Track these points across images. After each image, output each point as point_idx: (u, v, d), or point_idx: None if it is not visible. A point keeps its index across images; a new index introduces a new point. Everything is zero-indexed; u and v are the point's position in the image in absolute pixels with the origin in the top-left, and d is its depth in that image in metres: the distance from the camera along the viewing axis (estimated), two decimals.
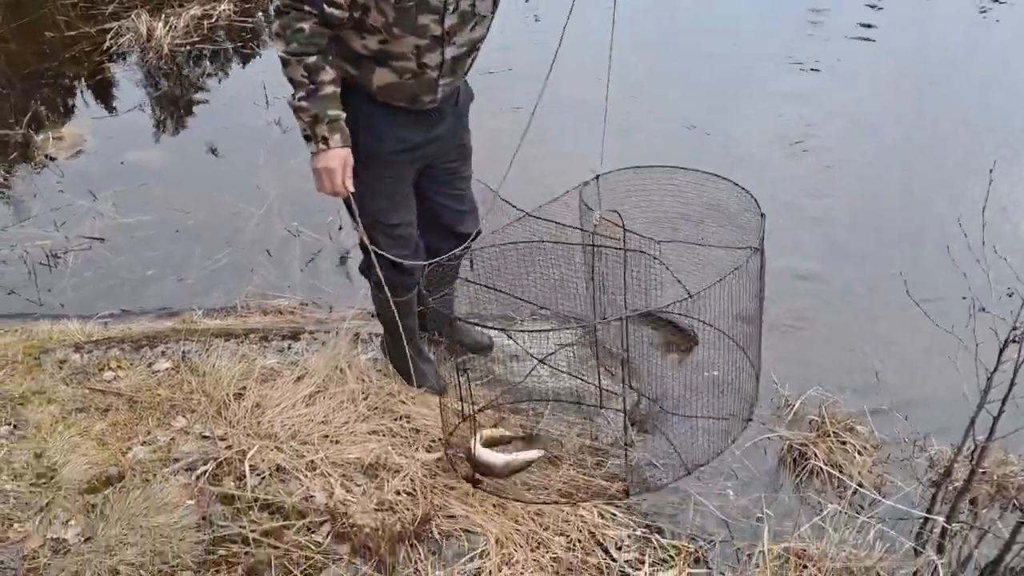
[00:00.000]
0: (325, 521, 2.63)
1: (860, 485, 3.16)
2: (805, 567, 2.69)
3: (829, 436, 3.36)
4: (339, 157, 2.39)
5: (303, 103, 2.32)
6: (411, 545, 2.64)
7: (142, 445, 2.68)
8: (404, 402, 3.11)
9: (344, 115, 2.37)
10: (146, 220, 4.53)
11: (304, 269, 4.25)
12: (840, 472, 3.26)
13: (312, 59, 2.28)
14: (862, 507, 3.08)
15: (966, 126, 5.55)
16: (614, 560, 2.90)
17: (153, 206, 4.66)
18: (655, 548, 2.98)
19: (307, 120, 2.35)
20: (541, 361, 3.53)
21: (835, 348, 4.03)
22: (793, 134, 5.50)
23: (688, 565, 2.93)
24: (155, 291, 4.06)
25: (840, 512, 2.90)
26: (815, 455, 3.30)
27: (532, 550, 2.84)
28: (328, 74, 2.31)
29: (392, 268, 2.78)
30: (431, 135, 2.66)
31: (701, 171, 2.99)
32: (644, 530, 3.04)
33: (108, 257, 4.29)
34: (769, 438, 3.47)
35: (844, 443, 3.34)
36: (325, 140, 2.35)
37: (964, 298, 2.89)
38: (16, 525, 2.36)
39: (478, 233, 3.12)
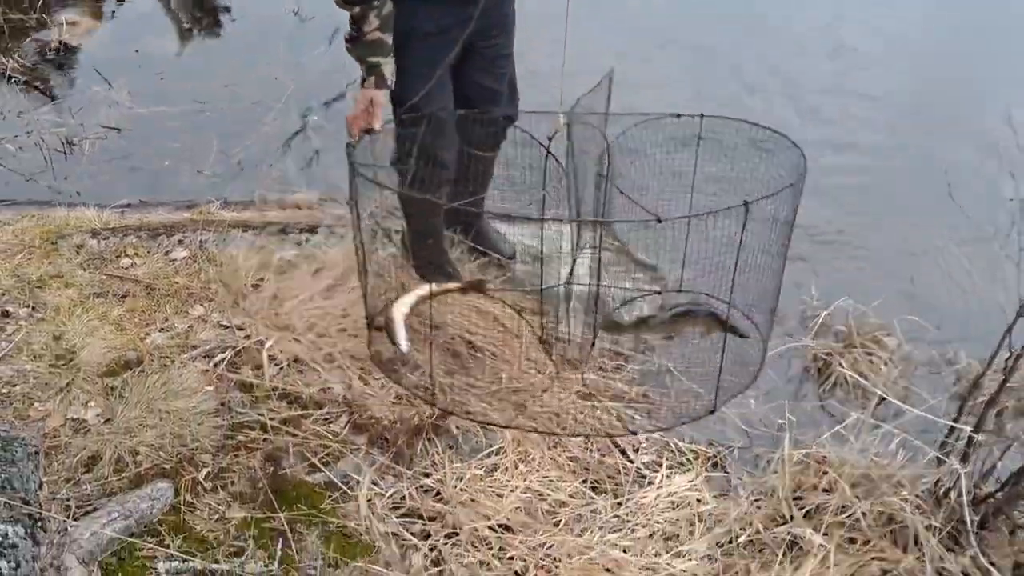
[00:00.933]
0: (343, 412, 2.62)
1: (884, 396, 3.12)
2: (825, 473, 2.66)
3: (855, 347, 3.29)
4: (367, 98, 2.57)
5: (348, 46, 2.55)
6: (428, 439, 2.64)
7: (160, 331, 2.66)
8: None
9: (384, 60, 2.54)
10: (162, 111, 4.43)
11: (322, 164, 4.15)
12: (865, 383, 3.21)
13: (357, 10, 2.45)
14: (885, 419, 3.04)
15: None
16: (631, 461, 2.89)
17: (169, 97, 4.56)
18: (673, 452, 2.96)
19: (353, 58, 2.57)
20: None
21: (867, 259, 3.93)
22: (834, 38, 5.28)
23: (706, 469, 2.92)
24: (172, 183, 4.00)
25: (863, 421, 2.86)
26: (840, 365, 3.25)
27: (549, 448, 2.84)
28: (372, 24, 2.47)
29: (439, 148, 2.77)
30: (467, 14, 2.60)
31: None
32: (663, 434, 3.03)
33: (124, 147, 4.21)
34: (794, 348, 3.41)
35: (870, 354, 3.27)
36: (363, 80, 2.56)
37: (1011, 200, 2.76)
38: (37, 404, 2.36)
39: (512, 119, 3.02)
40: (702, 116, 2.85)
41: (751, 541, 2.61)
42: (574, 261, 3.30)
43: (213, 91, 4.60)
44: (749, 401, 3.23)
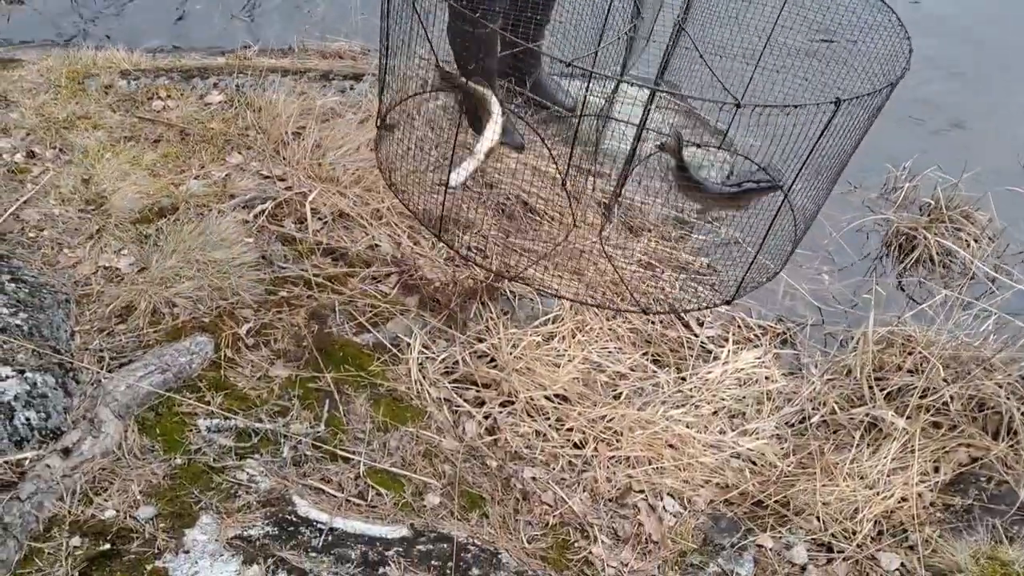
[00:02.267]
0: (392, 272, 2.44)
1: (973, 275, 2.87)
2: (910, 353, 2.46)
3: (943, 221, 3.02)
4: None
5: None
6: (483, 303, 2.46)
7: (195, 179, 2.47)
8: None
9: None
10: None
11: (364, 11, 3.83)
12: (951, 261, 2.96)
13: None
14: (975, 300, 2.80)
15: None
16: (695, 335, 2.71)
17: None
18: (740, 327, 2.77)
19: None
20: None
21: (960, 130, 3.60)
22: None
23: (775, 346, 2.73)
24: (206, 27, 3.72)
25: (954, 300, 2.63)
26: (924, 240, 2.99)
27: (608, 319, 2.65)
28: None
29: None
30: None
31: None
32: (728, 308, 2.82)
33: None
34: (875, 221, 3.15)
35: (959, 229, 3.00)
36: None
37: None
38: (67, 250, 2.20)
39: None
40: None
41: (825, 422, 2.45)
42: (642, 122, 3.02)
43: None
44: (822, 276, 3.01)
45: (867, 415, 2.38)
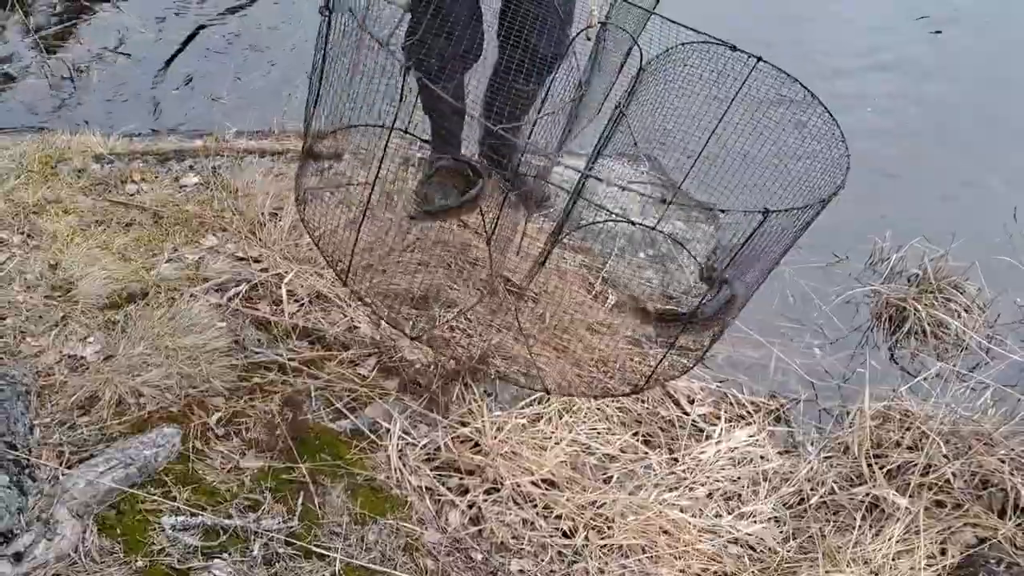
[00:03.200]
0: (371, 354, 2.36)
1: (967, 346, 2.82)
2: (908, 429, 2.38)
3: (932, 292, 2.98)
4: None
5: None
6: (465, 384, 2.37)
7: (168, 262, 2.40)
8: (458, 230, 2.78)
9: None
10: (173, 36, 4.12)
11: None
12: (943, 332, 2.90)
13: None
14: (969, 372, 2.74)
15: None
16: (686, 414, 2.62)
17: (180, 20, 4.25)
18: (732, 404, 2.69)
19: None
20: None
21: (943, 197, 3.60)
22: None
23: (768, 423, 2.65)
24: (184, 111, 3.70)
25: (948, 372, 2.57)
26: (915, 312, 2.94)
27: (596, 398, 2.57)
28: None
29: (442, 40, 2.46)
30: None
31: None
32: (719, 385, 2.75)
33: (133, 72, 3.91)
34: (863, 293, 3.11)
35: (949, 300, 2.96)
36: None
37: None
38: (30, 339, 2.11)
39: (556, 59, 2.68)
40: (759, 60, 2.18)
41: (824, 502, 2.35)
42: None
43: (227, 15, 4.29)
44: (813, 351, 2.95)
45: (868, 495, 2.28)
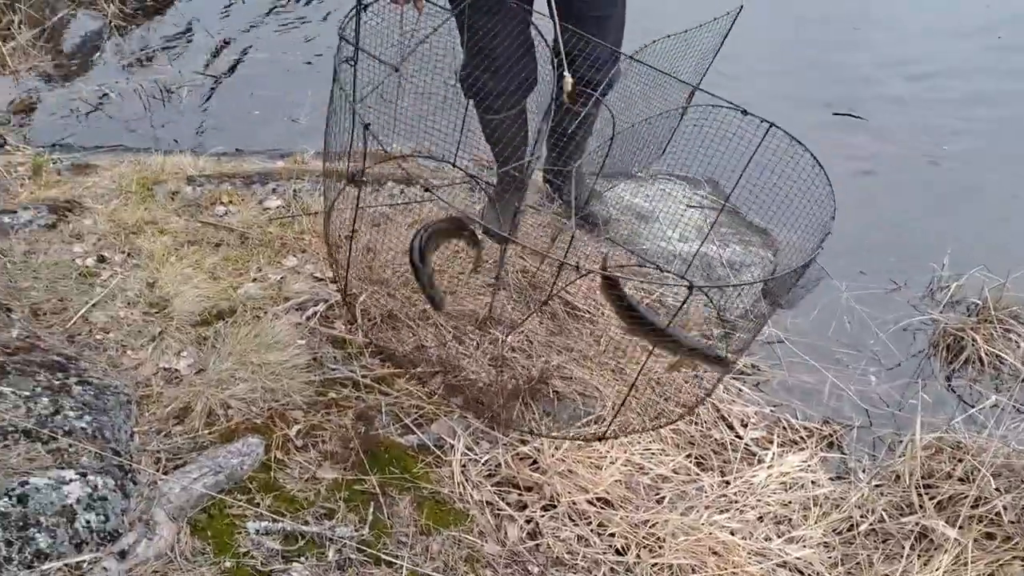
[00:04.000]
0: (437, 372, 2.50)
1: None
2: (960, 460, 2.41)
3: (991, 322, 2.99)
4: None
5: None
6: (525, 404, 2.50)
7: (253, 282, 2.58)
8: (522, 257, 2.91)
9: None
10: (259, 58, 4.36)
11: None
12: (1001, 363, 2.91)
13: None
14: (1022, 405, 2.76)
15: None
16: (739, 437, 2.70)
17: (266, 44, 4.49)
18: (784, 428, 2.76)
19: None
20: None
21: (1005, 223, 3.58)
22: None
23: (821, 448, 2.71)
24: (266, 131, 3.93)
25: (1005, 404, 2.59)
26: (972, 343, 2.96)
27: (651, 419, 2.66)
28: None
29: (487, 76, 2.63)
30: None
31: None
32: (773, 409, 2.82)
33: (220, 95, 4.16)
34: (921, 321, 3.13)
35: (1008, 331, 2.97)
36: None
37: None
38: (130, 352, 2.31)
39: (608, 85, 2.79)
40: (771, 125, 2.29)
41: (873, 530, 2.40)
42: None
43: (310, 41, 4.51)
44: (868, 377, 2.99)
45: (917, 524, 2.33)
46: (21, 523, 1.68)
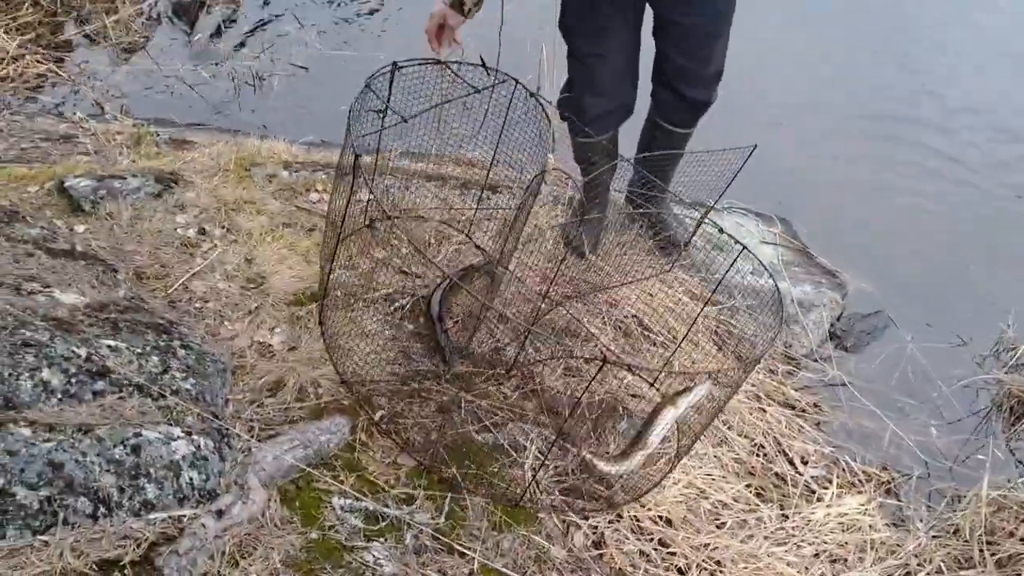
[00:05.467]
0: (513, 375, 2.57)
1: None
2: (1023, 521, 2.43)
3: None
4: (438, 15, 2.48)
5: None
6: (595, 418, 2.55)
7: (343, 268, 2.66)
8: (601, 270, 2.98)
9: None
10: (350, 55, 4.47)
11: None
12: None
13: None
14: None
15: None
16: (800, 473, 2.73)
17: (359, 41, 4.60)
18: (844, 470, 2.79)
19: None
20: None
21: None
22: None
23: (879, 494, 2.73)
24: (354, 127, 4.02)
25: None
26: None
27: (714, 446, 2.71)
28: None
29: (583, 93, 2.77)
30: None
31: None
32: (833, 450, 2.85)
33: (310, 86, 4.28)
34: (984, 380, 3.15)
35: None
36: None
37: None
38: (227, 323, 2.40)
39: (706, 105, 2.87)
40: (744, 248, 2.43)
41: None
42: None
43: (398, 42, 4.61)
44: (930, 429, 3.01)
45: None
46: (133, 472, 1.76)
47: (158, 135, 3.47)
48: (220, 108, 4.15)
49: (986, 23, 5.18)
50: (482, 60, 2.36)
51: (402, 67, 2.20)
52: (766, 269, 2.43)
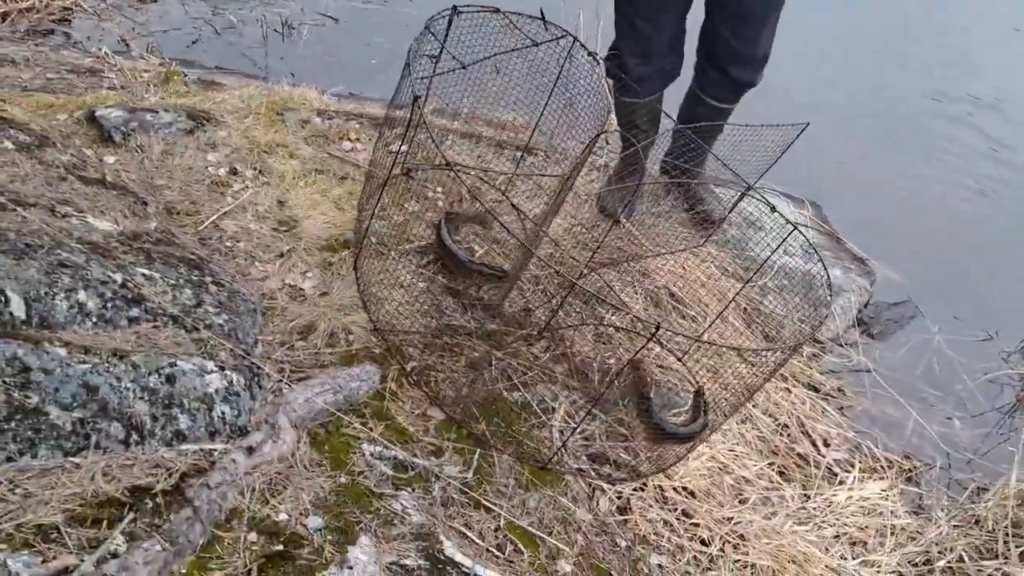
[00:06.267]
0: (544, 337, 2.53)
1: None
2: None
3: None
4: None
5: None
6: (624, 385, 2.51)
7: (376, 219, 2.61)
8: (635, 239, 2.93)
9: None
10: (379, 8, 4.40)
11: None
12: None
13: None
14: None
15: None
16: (822, 456, 2.70)
17: None
18: (866, 455, 2.76)
19: None
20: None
21: None
22: None
23: (900, 481, 2.71)
24: (381, 79, 3.95)
25: None
26: None
27: (739, 422, 2.68)
28: None
29: (636, 61, 2.74)
30: None
31: None
32: (856, 435, 2.82)
33: (339, 37, 4.21)
34: (1008, 376, 3.12)
35: None
36: None
37: None
38: (258, 264, 2.35)
39: (751, 84, 2.83)
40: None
41: (951, 568, 2.40)
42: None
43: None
44: (953, 421, 2.98)
45: (998, 570, 2.33)
46: (167, 401, 1.72)
47: (186, 75, 3.40)
48: (248, 54, 4.08)
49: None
50: (542, 13, 2.30)
51: (461, 11, 2.14)
52: (815, 252, 2.38)
